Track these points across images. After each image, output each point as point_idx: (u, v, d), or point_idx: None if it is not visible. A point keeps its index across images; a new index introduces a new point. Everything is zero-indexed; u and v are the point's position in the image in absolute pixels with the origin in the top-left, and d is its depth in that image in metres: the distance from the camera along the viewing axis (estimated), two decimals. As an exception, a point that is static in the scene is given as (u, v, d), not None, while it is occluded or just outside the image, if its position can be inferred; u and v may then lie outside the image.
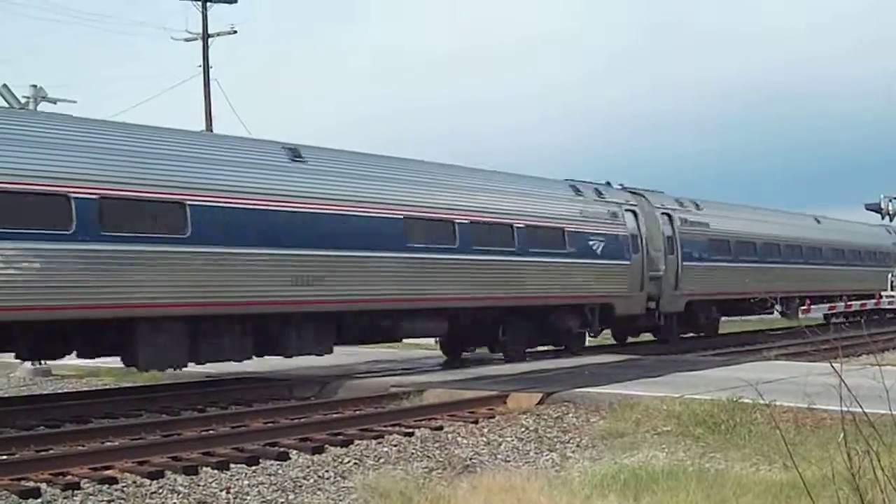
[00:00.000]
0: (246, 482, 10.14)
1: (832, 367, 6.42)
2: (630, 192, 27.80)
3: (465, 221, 21.09)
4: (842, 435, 6.51)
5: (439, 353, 24.53)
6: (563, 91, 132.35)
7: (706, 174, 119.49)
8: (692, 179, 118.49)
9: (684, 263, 28.40)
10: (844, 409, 6.41)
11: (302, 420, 14.10)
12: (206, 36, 38.73)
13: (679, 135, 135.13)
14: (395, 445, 12.17)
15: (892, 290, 40.15)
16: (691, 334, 30.98)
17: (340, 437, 12.38)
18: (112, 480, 9.81)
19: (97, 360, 18.69)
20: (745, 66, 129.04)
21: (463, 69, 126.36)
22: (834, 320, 31.45)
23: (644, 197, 28.04)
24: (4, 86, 30.45)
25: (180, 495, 9.55)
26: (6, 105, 28.79)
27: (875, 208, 45.80)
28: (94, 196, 14.91)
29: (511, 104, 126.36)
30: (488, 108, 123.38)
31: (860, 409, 6.55)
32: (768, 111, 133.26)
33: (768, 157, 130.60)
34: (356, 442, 12.17)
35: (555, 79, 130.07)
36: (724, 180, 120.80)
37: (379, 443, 12.24)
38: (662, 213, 28.31)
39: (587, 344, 26.31)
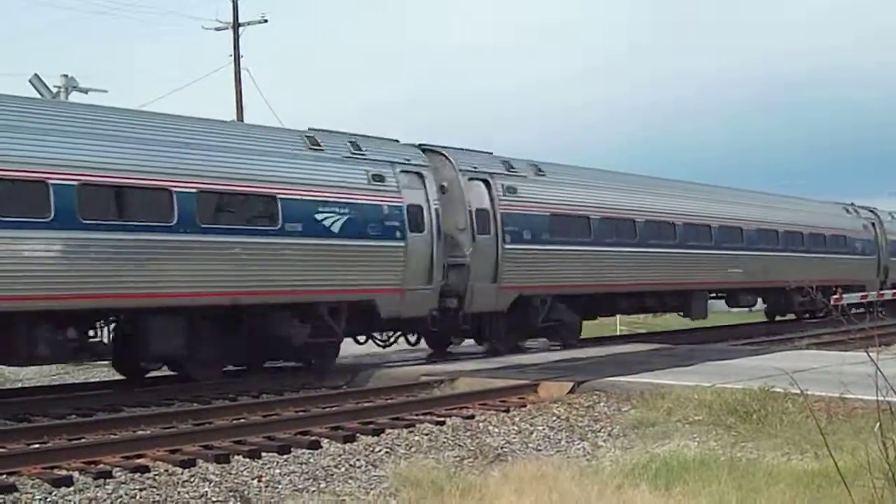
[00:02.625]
0: (277, 471, 10.18)
1: (868, 355, 6.35)
2: (868, 210, 40.10)
3: (807, 233, 33.71)
4: (878, 424, 6.44)
5: (472, 341, 24.56)
6: (562, 84, 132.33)
7: (725, 163, 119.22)
8: (707, 168, 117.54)
9: (891, 259, 40.25)
10: (881, 398, 6.35)
11: (333, 409, 14.12)
12: (236, 25, 38.78)
13: (697, 123, 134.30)
14: (427, 434, 12.17)
15: None
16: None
17: (372, 425, 12.39)
18: (144, 469, 9.87)
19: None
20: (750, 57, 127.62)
21: (466, 63, 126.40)
22: None
23: (875, 213, 40.33)
24: (36, 76, 30.62)
25: (212, 484, 9.59)
26: (37, 95, 28.94)
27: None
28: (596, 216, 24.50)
29: (511, 97, 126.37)
30: (488, 100, 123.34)
31: (896, 399, 6.48)
32: (790, 98, 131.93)
33: (789, 146, 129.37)
34: (387, 431, 12.18)
35: (554, 73, 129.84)
36: (737, 170, 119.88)
37: (410, 431, 12.25)
38: (888, 224, 40.90)
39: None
